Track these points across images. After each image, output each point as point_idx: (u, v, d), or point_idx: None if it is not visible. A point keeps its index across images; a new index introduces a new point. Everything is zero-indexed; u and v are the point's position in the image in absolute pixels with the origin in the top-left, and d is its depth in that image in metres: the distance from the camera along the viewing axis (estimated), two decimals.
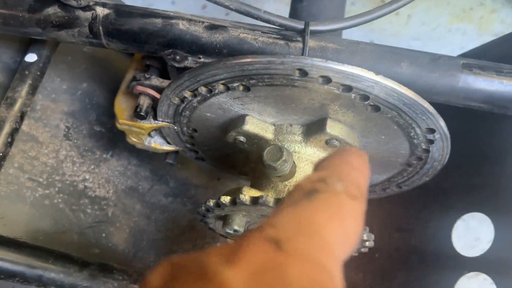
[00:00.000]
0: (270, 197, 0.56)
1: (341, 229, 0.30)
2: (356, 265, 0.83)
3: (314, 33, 0.62)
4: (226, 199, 0.59)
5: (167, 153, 0.79)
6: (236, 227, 0.61)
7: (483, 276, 0.72)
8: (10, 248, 0.64)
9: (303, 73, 0.54)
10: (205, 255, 0.27)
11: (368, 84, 0.53)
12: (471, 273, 0.70)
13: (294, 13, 0.79)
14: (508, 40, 0.75)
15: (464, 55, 0.80)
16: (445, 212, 0.74)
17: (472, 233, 0.96)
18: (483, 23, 1.37)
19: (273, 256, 0.26)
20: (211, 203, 0.61)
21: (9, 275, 0.65)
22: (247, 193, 0.58)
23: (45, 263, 0.66)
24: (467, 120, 0.74)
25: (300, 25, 0.61)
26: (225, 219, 0.62)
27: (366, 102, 0.56)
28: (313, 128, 0.62)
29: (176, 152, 0.79)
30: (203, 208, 0.63)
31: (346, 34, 0.82)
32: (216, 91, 0.60)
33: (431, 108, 0.57)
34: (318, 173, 0.34)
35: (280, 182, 0.62)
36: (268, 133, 0.64)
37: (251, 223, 0.63)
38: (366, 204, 0.34)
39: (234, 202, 0.58)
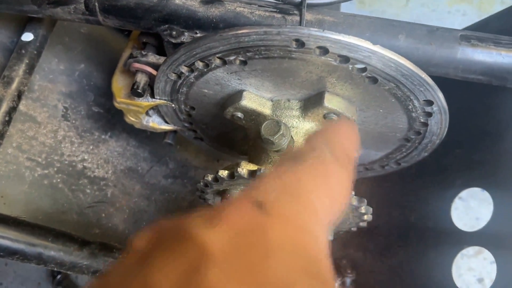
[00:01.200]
0: (268, 170, 0.56)
1: (328, 195, 0.31)
2: (356, 243, 0.83)
3: (311, 6, 0.61)
4: (224, 173, 0.59)
5: (166, 133, 0.79)
6: None
7: (483, 255, 0.72)
8: (10, 226, 0.65)
9: (300, 43, 0.53)
10: (189, 218, 0.27)
11: (365, 54, 0.53)
12: (471, 249, 0.70)
13: None
14: (507, 14, 0.75)
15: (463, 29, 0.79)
16: (445, 188, 0.74)
17: (471, 209, 0.96)
18: (483, 4, 1.36)
19: (256, 218, 0.27)
20: (210, 177, 0.61)
21: (9, 253, 0.65)
22: (245, 167, 0.58)
23: (44, 241, 0.67)
24: (466, 95, 0.74)
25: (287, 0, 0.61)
26: (223, 193, 0.62)
27: (364, 74, 0.55)
28: (311, 103, 0.62)
29: (174, 131, 0.79)
30: (202, 183, 0.63)
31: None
32: (213, 65, 0.60)
33: (429, 79, 0.56)
34: (308, 142, 0.34)
35: (278, 156, 0.62)
36: (265, 109, 0.64)
37: None
38: (355, 174, 0.35)
39: (232, 175, 0.58)
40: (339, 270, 0.76)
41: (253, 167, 0.59)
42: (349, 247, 0.84)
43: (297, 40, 0.53)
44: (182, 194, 0.88)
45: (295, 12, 0.61)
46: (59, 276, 1.06)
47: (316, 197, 0.30)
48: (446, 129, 0.65)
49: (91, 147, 0.80)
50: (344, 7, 0.90)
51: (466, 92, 0.73)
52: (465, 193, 0.73)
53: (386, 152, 0.73)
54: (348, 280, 0.75)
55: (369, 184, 0.81)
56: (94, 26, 0.73)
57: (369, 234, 0.82)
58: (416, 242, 0.76)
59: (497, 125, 0.71)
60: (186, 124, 0.76)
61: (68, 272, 0.69)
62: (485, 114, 0.73)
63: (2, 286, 1.07)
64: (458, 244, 0.70)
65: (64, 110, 0.78)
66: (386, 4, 1.39)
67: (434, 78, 0.59)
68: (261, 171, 0.56)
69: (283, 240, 0.26)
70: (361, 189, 0.72)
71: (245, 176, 0.57)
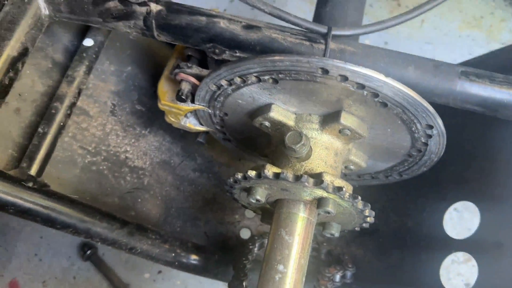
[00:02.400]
0: (289, 173, 0.67)
1: None
2: (358, 242, 0.94)
3: (335, 37, 0.72)
4: (252, 173, 0.70)
5: (198, 133, 0.90)
6: (258, 197, 0.72)
7: (471, 263, 0.82)
8: (67, 204, 0.76)
9: (325, 71, 0.64)
10: None
11: (379, 84, 0.64)
12: (461, 257, 0.81)
13: (318, 16, 0.89)
14: (505, 52, 0.85)
15: (466, 63, 0.90)
16: (439, 200, 0.85)
17: (466, 220, 1.06)
18: (492, 31, 1.46)
19: None
20: (239, 175, 0.72)
21: (64, 226, 0.77)
22: (270, 169, 0.69)
23: (93, 219, 0.78)
24: (463, 121, 0.84)
25: (323, 29, 0.72)
26: (249, 190, 0.74)
27: (376, 99, 0.66)
28: (329, 119, 0.73)
29: (206, 132, 0.90)
30: (231, 179, 0.74)
31: (363, 36, 0.92)
32: (249, 81, 0.71)
33: (430, 108, 0.67)
34: None
35: (298, 162, 0.73)
36: (290, 121, 0.75)
37: (271, 195, 0.74)
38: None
39: (259, 175, 0.69)
40: (341, 263, 0.87)
41: (276, 169, 0.70)
42: (351, 245, 0.95)
43: (322, 69, 0.64)
44: (207, 187, 0.99)
45: (321, 41, 0.72)
46: (89, 252, 1.18)
47: None
48: (443, 150, 0.75)
49: (133, 140, 0.91)
50: None
51: (463, 118, 0.83)
52: (456, 205, 0.84)
53: (391, 165, 0.83)
54: (348, 273, 0.86)
55: (373, 191, 0.92)
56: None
57: (370, 235, 0.93)
58: (410, 245, 0.86)
59: (487, 148, 0.81)
60: (218, 127, 0.87)
61: (110, 247, 0.81)
62: (478, 138, 0.83)
63: (37, 256, 1.19)
64: (446, 249, 0.81)
65: (112, 107, 0.90)
66: (401, 25, 1.49)
67: (436, 105, 0.70)
68: (284, 173, 0.67)
69: None
70: (366, 194, 0.82)
71: (270, 177, 0.68)
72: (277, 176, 0.68)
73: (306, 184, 0.66)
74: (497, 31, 1.45)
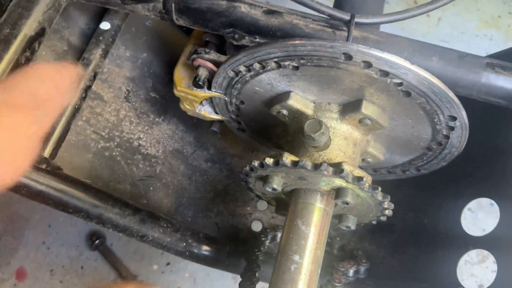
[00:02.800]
0: (308, 161, 0.66)
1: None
2: (372, 238, 0.92)
3: (358, 24, 0.71)
4: (270, 160, 0.68)
5: (213, 122, 0.89)
6: (275, 186, 0.71)
7: (485, 264, 0.81)
8: (79, 188, 0.75)
9: (348, 57, 0.63)
10: None
11: (403, 71, 0.62)
12: (475, 257, 0.79)
13: (338, 4, 0.87)
14: None
15: (491, 56, 0.88)
16: (457, 196, 0.83)
17: (480, 220, 1.04)
18: (510, 31, 1.44)
19: None
20: (256, 163, 0.71)
21: (77, 210, 0.75)
22: (288, 157, 0.68)
23: (105, 204, 0.77)
24: (484, 115, 0.82)
25: (346, 16, 0.70)
26: (265, 179, 0.72)
27: (399, 88, 0.65)
28: (349, 108, 0.71)
29: (221, 121, 0.89)
30: (248, 167, 0.73)
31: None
32: (269, 67, 0.69)
33: (455, 98, 0.65)
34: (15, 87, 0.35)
35: (316, 152, 0.72)
36: (308, 109, 0.73)
37: (288, 184, 0.72)
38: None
39: (276, 163, 0.68)
40: (355, 258, 0.85)
41: (294, 158, 0.68)
42: (364, 241, 0.93)
43: (346, 54, 0.63)
44: (218, 178, 0.98)
45: (344, 28, 0.70)
46: (97, 241, 1.17)
47: None
48: (465, 143, 0.74)
49: (146, 128, 0.90)
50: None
51: (485, 111, 0.81)
52: (475, 202, 0.82)
53: (409, 158, 0.82)
54: (362, 268, 0.85)
55: (388, 186, 0.90)
56: (158, 21, 0.84)
57: (384, 230, 0.91)
58: (426, 242, 0.84)
59: (508, 144, 0.79)
60: (233, 116, 0.86)
61: (121, 234, 0.79)
62: (499, 133, 0.81)
63: (45, 244, 1.19)
64: (464, 247, 0.79)
65: (127, 93, 0.89)
66: (416, 22, 1.47)
67: (458, 97, 0.68)
68: (303, 162, 0.65)
69: None
70: (382, 190, 0.81)
71: (288, 165, 0.66)
72: (295, 164, 0.66)
73: (325, 172, 0.65)
74: None
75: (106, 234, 1.19)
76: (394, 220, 0.89)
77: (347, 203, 0.68)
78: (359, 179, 0.65)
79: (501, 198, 0.78)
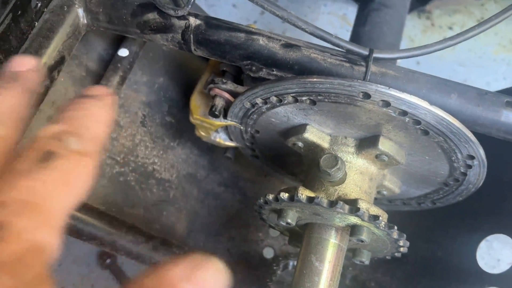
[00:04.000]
0: (324, 198, 0.65)
1: (68, 194, 0.31)
2: (385, 269, 0.91)
3: (376, 59, 0.70)
4: (284, 195, 0.68)
5: (227, 148, 0.89)
6: (289, 220, 0.70)
7: None
8: (94, 215, 0.75)
9: (366, 95, 0.62)
10: None
11: (422, 112, 0.62)
12: None
13: (355, 36, 0.87)
14: None
15: (506, 91, 0.87)
16: (472, 230, 0.82)
17: (495, 253, 1.03)
18: None
19: None
20: (270, 197, 0.70)
21: (91, 238, 0.76)
22: (304, 193, 0.67)
23: (119, 231, 0.77)
24: (502, 150, 0.81)
25: (365, 51, 0.70)
26: (280, 212, 0.72)
27: (418, 126, 0.64)
28: (366, 143, 0.71)
29: (235, 148, 0.89)
30: (262, 200, 0.72)
31: None
32: (285, 101, 0.69)
33: (473, 138, 0.65)
34: (56, 127, 0.34)
35: (331, 186, 0.71)
36: (324, 142, 0.73)
37: (302, 218, 0.72)
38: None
39: (292, 198, 0.67)
40: None
41: (310, 193, 0.68)
42: (377, 271, 0.92)
43: (364, 93, 0.62)
44: (231, 202, 0.98)
45: (362, 63, 0.70)
46: (108, 261, 1.17)
47: (56, 203, 0.30)
48: (483, 180, 0.73)
49: (161, 152, 0.91)
50: None
51: (502, 146, 0.80)
52: (491, 238, 0.81)
53: (425, 192, 0.81)
54: None
55: (403, 216, 0.89)
56: None
57: (398, 262, 0.90)
58: (440, 275, 0.83)
59: None
60: (247, 143, 0.86)
61: (134, 260, 0.80)
62: None
63: (57, 262, 1.19)
64: (479, 284, 0.77)
65: (143, 117, 0.89)
66: None
67: (474, 133, 0.67)
68: (319, 198, 0.65)
69: (8, 257, 0.27)
70: (395, 220, 0.80)
71: (304, 201, 0.66)
72: (311, 200, 0.66)
73: (341, 210, 0.64)
74: None
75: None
76: (408, 252, 0.88)
77: (362, 241, 0.67)
78: (375, 217, 0.65)
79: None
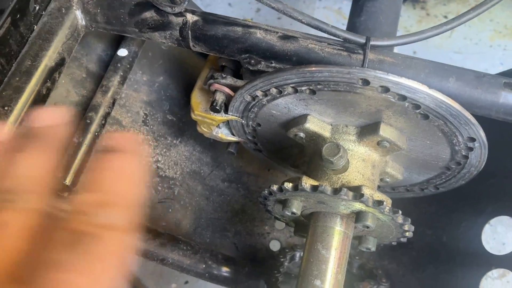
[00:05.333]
0: (328, 186, 0.66)
1: (105, 283, 0.28)
2: (391, 256, 0.92)
3: (373, 47, 0.71)
4: (289, 185, 0.69)
5: (229, 143, 0.90)
6: (294, 210, 0.71)
7: (506, 278, 0.80)
8: None
9: (366, 82, 0.63)
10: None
11: (421, 95, 0.62)
12: (495, 272, 0.78)
13: (352, 26, 0.88)
14: None
15: (508, 72, 0.87)
16: (477, 214, 0.82)
17: (500, 234, 1.03)
18: None
19: None
20: (275, 187, 0.71)
21: None
22: (307, 182, 0.68)
23: None
24: (503, 132, 0.82)
25: (361, 40, 0.70)
26: (285, 203, 0.72)
27: (417, 111, 0.65)
28: (367, 130, 0.71)
29: (237, 142, 0.89)
30: (267, 191, 0.73)
31: None
32: (285, 92, 0.70)
33: (473, 120, 0.65)
34: (81, 197, 0.30)
35: (334, 175, 0.72)
36: (326, 132, 0.74)
37: (307, 207, 0.72)
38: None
39: (296, 188, 0.68)
40: (375, 278, 0.85)
41: (314, 182, 0.68)
42: (384, 259, 0.93)
43: (363, 79, 0.63)
44: (236, 197, 0.98)
45: (360, 51, 0.71)
46: None
47: None
48: (484, 162, 0.73)
49: (164, 150, 0.91)
50: None
51: (503, 128, 0.81)
52: (495, 220, 0.81)
53: (427, 177, 0.81)
54: None
55: (407, 203, 0.90)
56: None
57: (403, 248, 0.91)
58: (446, 260, 0.84)
59: None
60: (249, 137, 0.86)
61: (142, 257, 0.80)
62: None
63: None
64: (485, 266, 0.78)
65: (144, 116, 0.90)
66: None
67: (475, 116, 0.68)
68: (323, 186, 0.65)
69: None
70: (399, 207, 0.81)
71: (308, 189, 0.67)
72: (315, 188, 0.67)
73: (345, 197, 0.65)
74: None
75: None
76: (413, 238, 0.88)
77: (367, 227, 0.68)
78: (380, 203, 0.65)
79: None
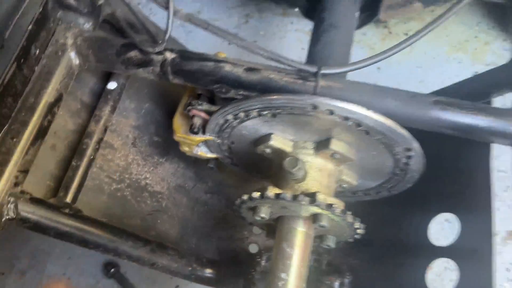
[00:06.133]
0: (288, 193, 0.79)
1: None
2: (354, 254, 1.04)
3: (324, 75, 0.84)
4: (256, 194, 0.81)
5: (209, 159, 1.02)
6: (262, 215, 0.84)
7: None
8: (98, 226, 0.88)
9: (314, 107, 0.76)
10: None
11: (361, 116, 0.75)
12: (441, 259, 0.91)
13: (310, 55, 1.01)
14: (473, 82, 0.97)
15: (441, 91, 1.01)
16: (424, 212, 0.95)
17: (444, 230, 1.16)
18: (477, 54, 1.58)
19: None
20: (245, 197, 0.84)
21: (96, 246, 0.88)
22: (272, 191, 0.81)
23: (120, 239, 0.90)
24: (443, 142, 0.95)
25: (313, 69, 0.84)
26: (254, 209, 0.85)
27: (359, 128, 0.78)
28: (321, 145, 0.84)
29: (216, 158, 1.02)
30: (239, 201, 0.86)
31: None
32: (251, 116, 0.83)
33: (406, 134, 0.78)
34: None
35: (295, 184, 0.85)
36: (288, 147, 0.87)
37: (274, 212, 0.85)
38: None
39: (262, 196, 0.81)
40: (340, 273, 0.98)
41: (277, 190, 0.81)
42: (349, 256, 1.05)
43: (312, 105, 0.76)
44: (218, 207, 1.11)
45: (312, 79, 0.84)
46: (112, 270, 1.29)
47: None
48: (424, 168, 0.86)
49: (151, 168, 1.04)
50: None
51: (443, 139, 0.94)
52: (439, 217, 0.94)
53: (380, 182, 0.94)
54: (346, 281, 0.97)
55: (366, 206, 1.03)
56: None
57: (365, 246, 1.04)
58: (400, 253, 0.97)
59: (465, 165, 0.92)
60: (226, 154, 0.99)
61: (134, 263, 0.92)
62: (457, 156, 0.94)
63: (65, 275, 1.31)
64: (432, 255, 0.91)
65: (133, 139, 1.02)
66: None
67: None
68: (283, 194, 0.78)
69: None
70: (360, 209, 0.93)
71: (272, 197, 0.80)
72: (277, 196, 0.79)
73: (303, 202, 0.78)
74: (482, 54, 1.57)
75: (120, 262, 1.31)
76: (373, 236, 1.01)
77: (323, 227, 0.80)
78: (330, 206, 0.78)
79: (460, 212, 0.90)
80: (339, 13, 1.05)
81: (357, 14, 1.10)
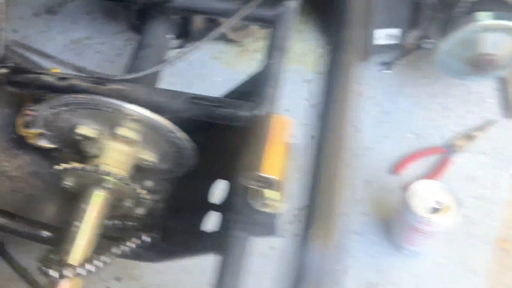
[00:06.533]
0: (80, 165, 1.11)
1: None
2: (168, 216, 1.36)
3: (116, 81, 1.18)
4: (62, 165, 1.13)
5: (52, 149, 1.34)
6: (67, 182, 1.15)
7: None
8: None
9: (96, 104, 1.09)
10: None
11: (131, 111, 1.09)
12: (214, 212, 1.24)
13: (130, 66, 1.36)
14: (247, 83, 1.32)
15: (232, 92, 1.35)
16: (204, 178, 1.29)
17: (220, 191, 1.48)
18: (314, 66, 1.95)
19: None
20: (56, 167, 1.15)
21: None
22: (72, 164, 1.13)
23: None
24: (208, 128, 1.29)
25: (107, 77, 1.18)
26: (63, 178, 1.17)
27: (131, 117, 1.11)
28: (114, 131, 1.17)
29: (57, 148, 1.34)
30: (56, 172, 1.17)
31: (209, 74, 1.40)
32: (62, 110, 1.15)
33: (168, 123, 1.12)
34: None
35: (94, 159, 1.17)
36: (92, 134, 1.17)
37: (78, 182, 1.17)
38: None
39: (65, 168, 1.13)
40: (151, 227, 1.29)
41: (77, 164, 1.13)
42: (162, 218, 1.37)
43: (98, 103, 1.09)
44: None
45: (107, 84, 1.17)
46: None
47: None
48: (191, 145, 1.20)
49: (9, 158, 1.35)
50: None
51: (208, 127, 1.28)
52: (217, 182, 1.27)
53: (175, 161, 1.27)
54: (156, 235, 1.28)
55: (175, 179, 1.36)
56: None
57: (174, 210, 1.36)
58: (190, 211, 1.29)
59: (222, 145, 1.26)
60: (59, 143, 1.31)
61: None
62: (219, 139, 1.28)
63: None
64: (208, 210, 1.24)
65: None
66: (246, 65, 1.97)
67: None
68: (76, 166, 1.11)
69: None
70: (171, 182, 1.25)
71: (69, 168, 1.12)
72: (75, 168, 1.12)
73: (90, 170, 1.10)
74: (317, 65, 1.94)
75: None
76: (181, 203, 1.34)
77: (109, 188, 1.13)
78: (109, 173, 1.11)
79: (229, 179, 1.24)
80: (152, 35, 1.40)
81: (170, 36, 1.46)
